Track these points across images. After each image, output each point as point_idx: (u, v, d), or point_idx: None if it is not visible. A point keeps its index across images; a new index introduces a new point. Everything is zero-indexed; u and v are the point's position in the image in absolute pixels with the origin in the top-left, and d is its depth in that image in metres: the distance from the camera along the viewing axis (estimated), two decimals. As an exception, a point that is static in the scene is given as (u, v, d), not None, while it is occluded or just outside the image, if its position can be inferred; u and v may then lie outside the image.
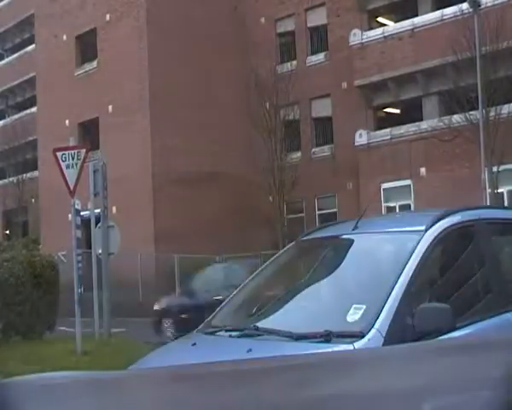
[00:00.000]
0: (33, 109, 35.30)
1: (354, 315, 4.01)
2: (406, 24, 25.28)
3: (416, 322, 3.86)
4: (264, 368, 1.56)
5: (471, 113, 21.68)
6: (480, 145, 20.74)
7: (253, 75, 26.98)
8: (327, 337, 3.81)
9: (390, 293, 3.97)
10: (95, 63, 30.19)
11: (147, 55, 27.76)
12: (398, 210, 25.51)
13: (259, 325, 4.29)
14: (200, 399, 1.32)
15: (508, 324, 4.29)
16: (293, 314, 4.57)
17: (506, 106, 21.57)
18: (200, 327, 4.81)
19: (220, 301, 5.35)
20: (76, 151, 11.78)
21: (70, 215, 12.89)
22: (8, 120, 40.35)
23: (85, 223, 14.86)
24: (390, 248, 4.67)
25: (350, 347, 3.69)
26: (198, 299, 15.03)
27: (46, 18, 32.25)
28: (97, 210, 14.91)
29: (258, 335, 4.18)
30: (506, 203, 22.71)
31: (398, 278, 4.04)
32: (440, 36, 22.78)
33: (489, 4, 21.85)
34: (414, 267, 4.10)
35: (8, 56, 41.83)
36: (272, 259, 5.40)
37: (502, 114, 21.50)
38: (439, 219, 4.47)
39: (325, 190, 27.69)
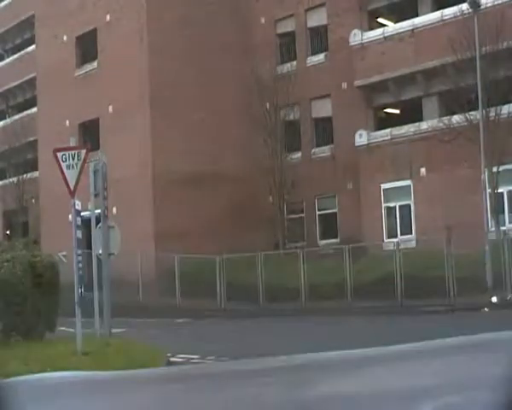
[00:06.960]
0: (34, 110, 35.28)
1: None
2: (406, 24, 25.29)
3: None
4: (264, 368, 1.56)
5: (471, 113, 21.69)
6: (480, 145, 20.74)
7: (253, 75, 26.97)
8: None
9: None
10: (95, 64, 30.19)
11: (147, 55, 27.76)
12: (397, 210, 25.52)
13: None
14: (201, 399, 1.32)
15: None
16: None
17: (506, 106, 21.58)
18: None
19: None
20: (76, 152, 11.77)
21: (70, 216, 12.89)
22: (8, 120, 40.31)
23: (85, 223, 14.84)
24: None
25: None
26: None
27: (46, 19, 32.25)
28: (98, 210, 14.92)
29: None
30: (506, 203, 22.73)
31: None
32: (440, 36, 22.79)
33: (489, 4, 21.86)
34: None
35: (8, 57, 41.79)
36: None
37: (502, 114, 21.51)
38: None
39: (325, 190, 27.68)
